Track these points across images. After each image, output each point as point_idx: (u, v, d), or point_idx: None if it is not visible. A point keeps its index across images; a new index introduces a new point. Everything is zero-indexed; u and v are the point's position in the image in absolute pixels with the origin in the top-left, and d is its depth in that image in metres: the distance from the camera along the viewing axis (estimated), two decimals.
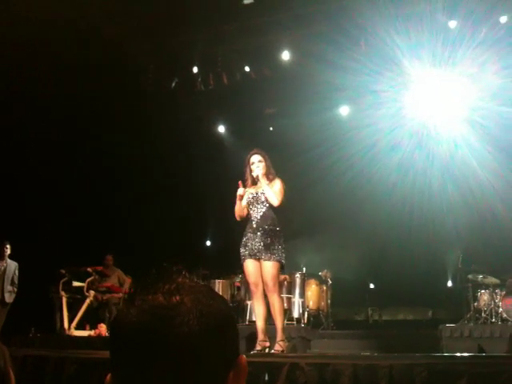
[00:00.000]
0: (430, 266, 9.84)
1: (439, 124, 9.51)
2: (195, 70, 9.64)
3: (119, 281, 9.29)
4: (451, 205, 9.56)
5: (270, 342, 5.09)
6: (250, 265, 5.11)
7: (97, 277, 8.94)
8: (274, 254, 5.02)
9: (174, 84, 9.88)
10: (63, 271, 8.71)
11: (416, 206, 9.74)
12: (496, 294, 7.63)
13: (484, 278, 7.89)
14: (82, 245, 9.71)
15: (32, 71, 8.05)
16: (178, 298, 0.85)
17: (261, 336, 5.05)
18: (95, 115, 9.09)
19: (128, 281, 9.22)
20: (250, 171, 5.30)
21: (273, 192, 5.14)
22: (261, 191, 5.22)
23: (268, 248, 5.03)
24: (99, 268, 9.14)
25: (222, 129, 11.53)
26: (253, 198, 5.22)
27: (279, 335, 5.04)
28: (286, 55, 9.10)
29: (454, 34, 8.20)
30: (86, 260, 9.09)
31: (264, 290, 5.11)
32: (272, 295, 5.04)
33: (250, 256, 5.08)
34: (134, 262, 9.10)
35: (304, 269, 8.71)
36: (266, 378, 3.41)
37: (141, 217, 10.29)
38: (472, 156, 9.26)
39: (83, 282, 8.79)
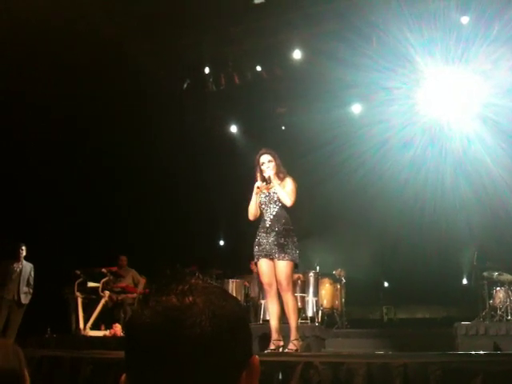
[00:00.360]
0: (443, 264, 9.78)
1: (452, 121, 9.45)
2: (207, 70, 9.67)
3: (134, 281, 9.35)
4: (464, 202, 9.50)
5: (284, 341, 5.10)
6: (263, 264, 5.12)
7: (111, 277, 9.00)
8: (288, 254, 5.03)
9: (185, 85, 9.92)
10: (78, 272, 8.78)
11: (428, 203, 9.69)
12: (511, 290, 7.57)
13: (499, 275, 7.82)
14: (96, 246, 9.78)
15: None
16: (190, 299, 0.86)
17: (275, 335, 5.06)
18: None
19: (142, 281, 9.27)
20: (261, 171, 5.30)
21: (285, 192, 5.15)
22: (273, 191, 5.22)
23: (282, 247, 5.03)
24: (114, 269, 9.20)
25: (234, 129, 11.55)
26: (265, 198, 5.23)
27: (293, 334, 5.05)
28: (297, 54, 9.10)
29: (467, 30, 8.14)
30: (100, 261, 9.15)
31: (278, 290, 5.12)
32: (286, 294, 5.05)
33: (264, 256, 5.09)
34: (148, 262, 9.16)
35: (318, 268, 8.70)
36: (280, 377, 3.41)
37: (155, 218, 10.35)
38: (485, 152, 9.20)
39: (98, 282, 8.85)
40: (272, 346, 4.99)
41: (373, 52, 8.46)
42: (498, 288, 7.77)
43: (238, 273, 9.38)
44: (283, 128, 11.13)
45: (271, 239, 5.08)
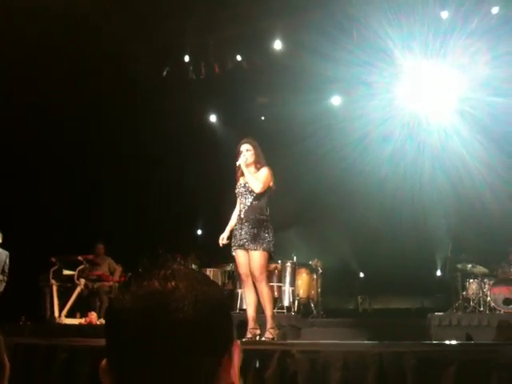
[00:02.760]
0: (419, 256, 9.91)
1: (430, 114, 9.56)
2: (187, 58, 9.59)
3: (110, 269, 9.29)
4: (441, 195, 9.63)
5: (261, 330, 5.13)
6: (239, 255, 5.14)
7: (87, 265, 8.94)
8: (261, 244, 5.04)
9: (165, 73, 9.83)
10: (53, 259, 8.70)
11: (407, 196, 9.80)
12: (484, 283, 7.71)
13: (473, 267, 7.97)
14: (72, 233, 9.69)
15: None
16: (173, 283, 0.86)
17: (251, 324, 5.09)
18: (75, 101, 9.00)
19: (119, 269, 9.23)
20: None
21: (255, 178, 5.16)
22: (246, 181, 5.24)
23: (254, 238, 5.05)
24: (90, 256, 9.14)
25: (213, 118, 11.51)
26: (241, 188, 5.25)
27: (269, 323, 5.08)
28: (277, 44, 9.08)
29: (446, 24, 8.22)
30: (76, 249, 9.08)
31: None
32: (260, 284, 5.07)
33: (239, 246, 5.12)
34: (125, 250, 9.11)
35: (295, 258, 8.74)
36: (257, 365, 3.44)
37: (132, 206, 10.27)
38: (462, 146, 9.33)
39: (74, 270, 8.78)
40: (249, 335, 5.02)
41: (353, 46, 8.49)
42: (471, 280, 7.92)
43: (215, 262, 9.38)
44: (263, 118, 11.12)
45: (244, 230, 5.10)
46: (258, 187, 5.14)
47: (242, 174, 5.30)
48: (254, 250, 5.04)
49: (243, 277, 5.19)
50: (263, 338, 4.99)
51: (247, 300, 5.25)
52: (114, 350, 0.86)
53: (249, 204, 5.18)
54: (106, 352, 0.87)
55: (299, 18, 8.64)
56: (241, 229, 5.12)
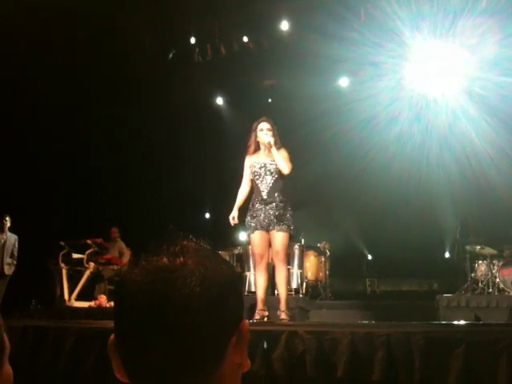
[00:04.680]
0: (427, 238, 9.90)
1: (438, 95, 9.47)
2: (193, 40, 9.53)
3: (119, 253, 9.34)
4: (448, 176, 9.58)
5: (269, 312, 5.15)
6: (259, 236, 5.06)
7: (96, 249, 8.98)
8: (285, 225, 5.02)
9: (171, 55, 9.78)
10: (63, 243, 8.73)
11: (414, 177, 9.75)
12: (493, 264, 7.69)
13: (481, 248, 7.93)
14: (81, 217, 9.73)
15: (22, 45, 7.94)
16: (181, 259, 0.85)
17: (260, 305, 5.09)
18: (81, 86, 8.99)
19: (128, 253, 9.27)
20: (255, 138, 5.23)
21: (284, 159, 5.10)
22: (269, 161, 5.16)
23: (280, 219, 5.01)
24: (99, 240, 9.17)
25: (220, 101, 11.47)
26: (260, 169, 5.16)
27: (284, 304, 5.06)
28: (284, 25, 9.00)
29: (456, 3, 8.10)
30: (87, 232, 9.12)
31: (266, 261, 5.14)
32: (282, 265, 5.08)
33: (261, 228, 5.04)
34: (133, 235, 9.14)
35: (303, 240, 8.75)
36: (265, 346, 3.45)
37: (140, 190, 10.29)
38: (470, 127, 9.25)
39: (83, 254, 8.83)
40: (257, 316, 5.03)
41: (361, 26, 8.39)
42: (479, 261, 7.90)
43: (223, 245, 9.41)
44: (270, 101, 11.06)
45: (270, 211, 5.03)
46: (287, 169, 5.09)
47: (255, 151, 5.23)
48: (280, 230, 5.01)
49: (257, 258, 5.12)
50: (282, 318, 4.97)
51: (259, 281, 5.20)
52: (122, 325, 0.85)
53: (271, 185, 5.11)
54: (114, 325, 0.87)
55: None
56: (264, 210, 5.05)
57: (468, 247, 8.09)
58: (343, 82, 10.49)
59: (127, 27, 8.52)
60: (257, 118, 5.44)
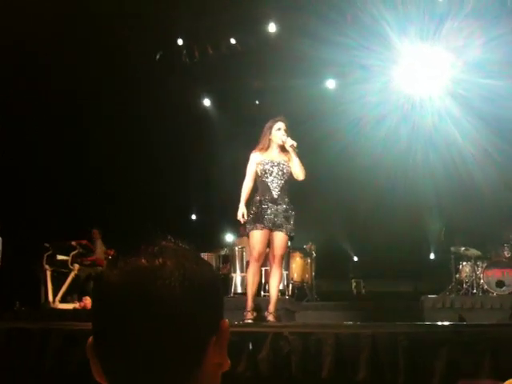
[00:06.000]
0: (412, 239, 9.96)
1: (424, 97, 9.55)
2: (180, 42, 9.51)
3: (105, 254, 9.29)
4: (434, 177, 9.65)
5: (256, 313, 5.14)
6: (262, 234, 4.99)
7: (81, 250, 8.92)
8: (291, 229, 5.02)
9: (158, 56, 9.76)
10: (47, 245, 8.67)
11: (400, 179, 9.81)
12: (478, 265, 7.74)
13: (466, 250, 7.99)
14: (66, 219, 9.66)
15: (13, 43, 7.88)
16: (160, 260, 0.84)
17: (250, 303, 5.04)
18: (68, 84, 8.93)
19: (110, 254, 9.23)
20: (269, 135, 5.15)
21: (300, 165, 5.06)
22: (283, 161, 5.11)
23: (287, 221, 5.01)
24: (84, 242, 9.12)
25: (207, 102, 11.45)
26: (272, 167, 5.08)
27: (273, 307, 5.03)
28: (272, 27, 9.01)
29: (441, 7, 8.18)
30: (71, 234, 9.06)
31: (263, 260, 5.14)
32: (279, 267, 5.08)
33: (266, 226, 4.97)
34: (118, 236, 9.09)
35: (289, 242, 8.74)
36: (251, 347, 3.45)
37: (125, 191, 10.24)
38: (455, 128, 9.34)
39: (68, 255, 8.77)
40: (249, 316, 4.97)
41: (348, 29, 8.43)
42: (464, 263, 7.94)
43: (209, 247, 9.40)
44: (257, 103, 11.07)
45: (279, 212, 4.99)
46: (303, 175, 5.07)
47: (266, 149, 5.13)
48: (285, 233, 4.99)
49: (257, 255, 5.01)
50: (269, 319, 4.95)
51: (254, 279, 5.09)
52: (101, 327, 0.85)
53: (281, 185, 5.06)
54: (92, 328, 0.86)
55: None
56: (275, 209, 4.99)
57: (453, 248, 8.14)
58: (330, 84, 10.53)
59: (114, 27, 8.48)
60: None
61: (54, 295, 8.36)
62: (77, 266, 8.65)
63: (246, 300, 5.20)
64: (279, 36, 9.06)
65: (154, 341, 0.81)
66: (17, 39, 7.91)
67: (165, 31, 9.34)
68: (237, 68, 9.85)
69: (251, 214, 5.04)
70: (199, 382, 0.85)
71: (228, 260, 8.81)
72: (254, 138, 5.36)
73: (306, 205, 10.35)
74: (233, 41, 9.38)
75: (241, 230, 9.06)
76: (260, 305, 5.33)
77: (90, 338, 0.88)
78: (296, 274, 8.54)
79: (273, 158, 5.12)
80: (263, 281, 7.34)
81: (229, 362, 0.91)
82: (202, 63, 9.65)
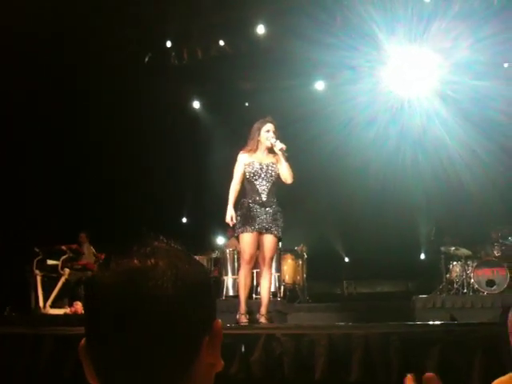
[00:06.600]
0: (403, 239, 9.99)
1: (413, 98, 9.60)
2: (169, 44, 9.50)
3: (95, 258, 9.24)
4: (423, 178, 9.69)
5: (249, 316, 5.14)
6: (252, 236, 4.98)
7: (71, 255, 8.87)
8: (279, 230, 5.03)
9: (147, 59, 9.73)
10: (37, 250, 8.61)
11: (389, 180, 9.84)
12: (468, 265, 7.79)
13: (456, 249, 8.03)
14: (56, 223, 9.60)
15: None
16: (152, 261, 0.84)
17: (243, 306, 5.04)
18: (57, 87, 8.89)
19: (101, 258, 9.18)
20: (258, 136, 5.12)
21: (289, 168, 5.04)
22: (271, 164, 5.08)
23: (276, 223, 5.02)
24: (74, 246, 9.07)
25: (196, 104, 11.43)
26: (260, 170, 5.06)
27: (265, 309, 5.03)
28: (261, 29, 9.02)
29: (429, 7, 8.23)
30: (61, 238, 9.00)
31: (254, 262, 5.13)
32: (269, 269, 5.11)
33: (255, 229, 4.96)
34: (108, 239, 9.04)
35: (280, 244, 8.75)
36: (243, 349, 3.44)
37: (115, 193, 10.19)
38: (443, 129, 9.39)
39: (58, 260, 8.71)
40: (243, 319, 4.96)
41: (337, 30, 8.45)
42: (454, 262, 7.99)
43: (200, 249, 9.38)
44: (247, 104, 11.07)
45: (268, 215, 4.99)
46: (291, 178, 5.05)
47: (254, 151, 5.09)
48: (274, 235, 5.00)
49: (248, 258, 5.00)
50: (261, 321, 4.94)
51: (246, 282, 5.08)
52: (93, 328, 0.85)
53: (268, 188, 5.05)
54: (85, 329, 0.86)
55: (283, 1, 8.58)
56: (263, 212, 4.99)
57: (443, 248, 8.18)
58: (319, 85, 10.55)
59: (102, 29, 8.45)
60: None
61: (45, 300, 8.30)
62: (67, 271, 8.59)
63: (238, 303, 5.20)
64: (268, 38, 9.07)
65: (146, 341, 0.81)
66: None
67: (153, 33, 9.32)
68: (226, 70, 9.84)
69: (240, 216, 5.05)
70: (192, 383, 0.85)
71: (219, 263, 8.81)
72: (244, 140, 5.34)
73: (297, 206, 10.37)
74: (222, 43, 9.38)
75: (229, 232, 9.08)
76: (252, 307, 5.31)
77: (83, 340, 0.87)
78: (288, 276, 8.55)
79: (261, 160, 5.11)
80: (254, 283, 7.33)
81: (222, 362, 0.91)
82: (191, 65, 9.63)
